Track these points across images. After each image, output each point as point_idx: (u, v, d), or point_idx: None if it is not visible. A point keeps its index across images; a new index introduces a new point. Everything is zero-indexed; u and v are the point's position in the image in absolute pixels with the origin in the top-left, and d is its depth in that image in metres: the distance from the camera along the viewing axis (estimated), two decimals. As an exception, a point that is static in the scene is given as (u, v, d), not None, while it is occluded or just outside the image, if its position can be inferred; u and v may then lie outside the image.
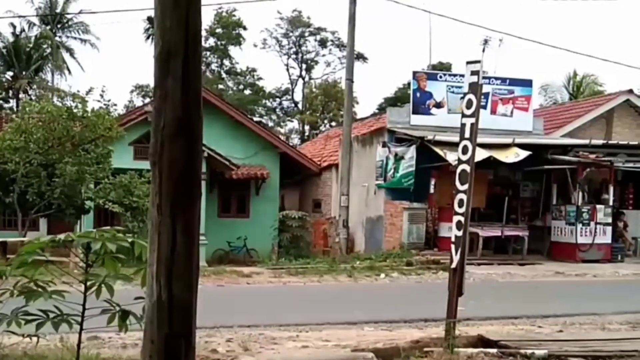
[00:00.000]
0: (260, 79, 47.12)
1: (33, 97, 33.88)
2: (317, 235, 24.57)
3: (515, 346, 6.88)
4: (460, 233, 6.97)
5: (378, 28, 61.64)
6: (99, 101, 18.37)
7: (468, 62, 7.20)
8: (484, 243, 18.35)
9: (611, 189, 19.38)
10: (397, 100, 38.99)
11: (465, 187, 6.99)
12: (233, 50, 45.75)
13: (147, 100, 34.86)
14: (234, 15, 44.47)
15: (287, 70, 47.46)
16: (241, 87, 47.19)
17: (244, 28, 44.91)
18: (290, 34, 46.22)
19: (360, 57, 41.88)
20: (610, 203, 19.24)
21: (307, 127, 46.58)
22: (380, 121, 22.83)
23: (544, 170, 19.37)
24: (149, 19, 38.64)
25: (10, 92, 38.73)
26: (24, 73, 37.96)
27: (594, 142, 19.66)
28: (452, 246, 7.01)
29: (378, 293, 13.66)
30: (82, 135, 17.47)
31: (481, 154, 14.90)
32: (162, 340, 2.71)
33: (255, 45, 50.93)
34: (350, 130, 22.01)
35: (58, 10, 40.42)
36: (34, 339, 3.83)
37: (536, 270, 16.89)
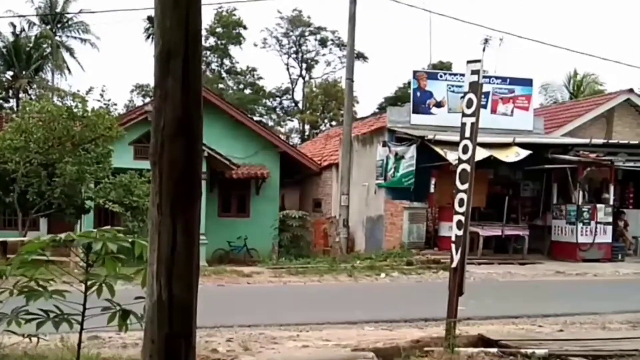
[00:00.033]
0: (260, 78, 47.21)
1: (33, 97, 33.89)
2: (317, 235, 24.56)
3: (515, 345, 6.87)
4: (460, 232, 6.97)
5: (378, 27, 61.75)
6: (99, 101, 18.44)
7: (468, 62, 7.21)
8: (484, 242, 18.36)
9: (611, 188, 19.39)
10: (397, 99, 38.97)
11: (466, 186, 6.99)
12: (233, 49, 45.82)
13: (147, 100, 34.86)
14: (234, 15, 44.50)
15: (287, 69, 47.56)
16: (241, 86, 47.18)
17: (244, 27, 44.94)
18: (291, 33, 46.22)
19: (361, 56, 41.88)
20: (611, 202, 19.25)
21: (307, 127, 46.57)
22: (380, 120, 22.81)
23: (545, 169, 19.37)
24: (149, 19, 38.64)
25: (10, 91, 38.72)
26: (24, 73, 37.94)
27: (595, 141, 19.67)
28: (453, 245, 7.01)
29: (378, 292, 13.66)
30: (82, 135, 17.47)
31: (481, 154, 14.89)
32: (162, 340, 2.72)
33: (255, 45, 51.07)
34: (351, 129, 22.01)
35: (58, 10, 40.42)
36: (34, 339, 3.83)
37: (536, 269, 16.90)
